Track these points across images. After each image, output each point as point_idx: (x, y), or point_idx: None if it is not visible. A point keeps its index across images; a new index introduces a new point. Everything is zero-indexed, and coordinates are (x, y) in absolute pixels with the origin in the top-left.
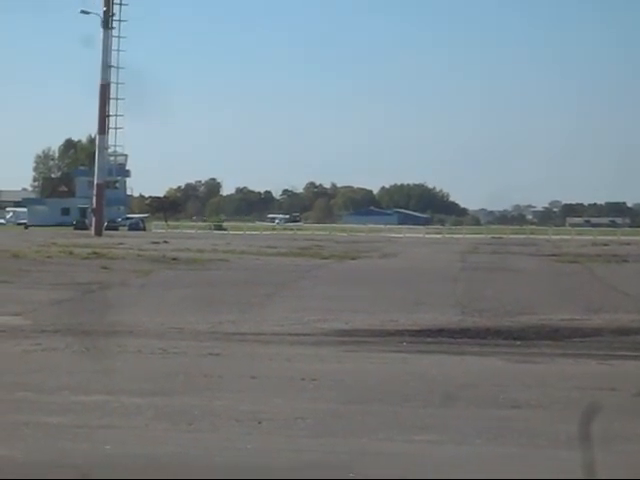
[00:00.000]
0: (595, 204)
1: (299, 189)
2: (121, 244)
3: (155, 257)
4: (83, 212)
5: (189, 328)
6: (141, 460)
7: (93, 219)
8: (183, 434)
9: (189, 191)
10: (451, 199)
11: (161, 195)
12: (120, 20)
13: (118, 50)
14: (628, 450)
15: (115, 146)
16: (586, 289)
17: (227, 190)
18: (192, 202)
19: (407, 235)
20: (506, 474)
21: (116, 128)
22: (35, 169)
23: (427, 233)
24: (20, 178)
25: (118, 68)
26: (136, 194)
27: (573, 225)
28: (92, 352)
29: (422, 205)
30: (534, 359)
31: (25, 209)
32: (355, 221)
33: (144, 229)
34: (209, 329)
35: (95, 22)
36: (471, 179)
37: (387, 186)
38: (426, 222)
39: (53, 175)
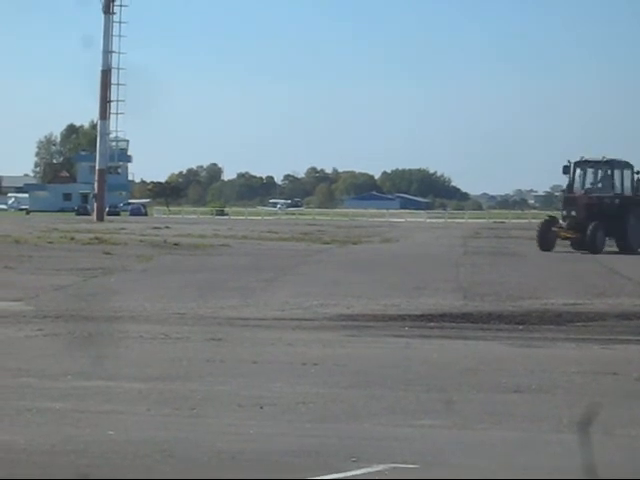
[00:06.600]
0: None
1: (301, 174)
2: (123, 229)
3: (157, 242)
4: (85, 198)
5: (191, 313)
6: (143, 445)
7: (95, 204)
8: (185, 419)
9: (190, 176)
10: (453, 184)
11: (163, 180)
12: (121, 5)
13: (119, 36)
14: (630, 434)
15: (117, 131)
16: (589, 274)
17: (229, 175)
18: (194, 187)
19: (409, 220)
20: (509, 459)
21: (117, 113)
22: (37, 154)
23: (429, 218)
24: (22, 164)
25: (120, 53)
26: (137, 179)
27: None
28: (94, 338)
29: (424, 190)
30: (536, 344)
31: (27, 195)
32: (357, 206)
33: (145, 214)
34: (211, 314)
35: (98, 8)
36: (473, 164)
37: (389, 171)
38: (427, 207)
39: (55, 161)
